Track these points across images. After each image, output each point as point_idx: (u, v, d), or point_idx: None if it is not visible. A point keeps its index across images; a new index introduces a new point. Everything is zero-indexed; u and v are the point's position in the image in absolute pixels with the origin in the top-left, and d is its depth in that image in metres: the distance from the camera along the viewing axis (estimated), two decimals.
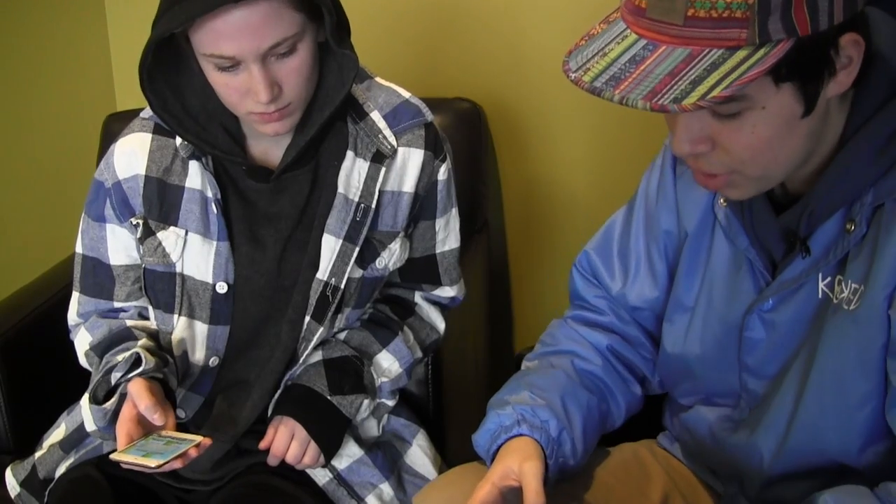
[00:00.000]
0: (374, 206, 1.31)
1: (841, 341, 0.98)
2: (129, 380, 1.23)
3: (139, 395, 1.20)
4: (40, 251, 1.98)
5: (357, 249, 1.31)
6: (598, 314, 1.25)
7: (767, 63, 0.85)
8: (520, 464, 1.04)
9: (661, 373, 1.23)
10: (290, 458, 1.29)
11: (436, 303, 1.49)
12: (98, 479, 1.31)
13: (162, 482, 1.35)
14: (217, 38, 1.14)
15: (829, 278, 1.00)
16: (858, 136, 0.95)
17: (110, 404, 1.25)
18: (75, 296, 1.42)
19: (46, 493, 1.37)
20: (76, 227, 1.34)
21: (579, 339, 1.23)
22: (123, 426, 1.20)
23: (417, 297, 1.48)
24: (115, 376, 1.26)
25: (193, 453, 1.18)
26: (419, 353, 1.44)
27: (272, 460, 1.30)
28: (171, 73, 1.25)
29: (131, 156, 1.33)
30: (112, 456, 1.17)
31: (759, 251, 1.06)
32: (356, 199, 1.30)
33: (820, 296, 1.01)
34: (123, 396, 1.24)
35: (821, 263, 1.00)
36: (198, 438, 1.19)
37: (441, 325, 1.49)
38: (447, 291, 1.48)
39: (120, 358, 1.28)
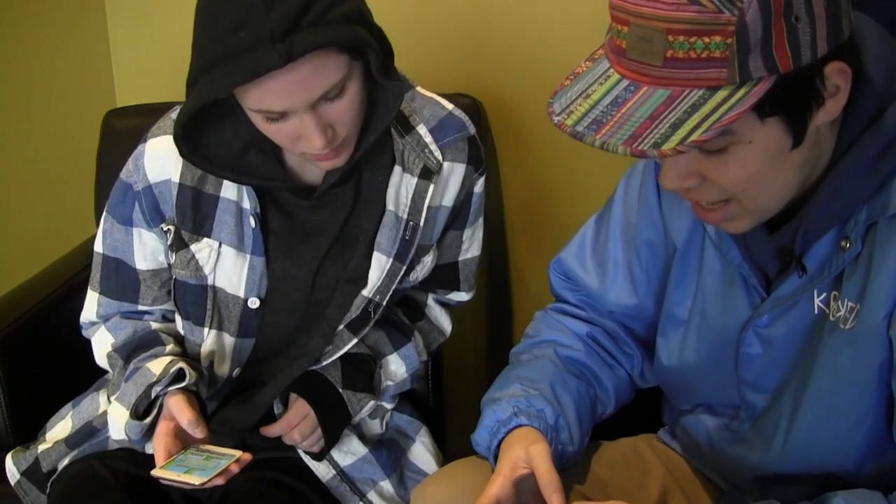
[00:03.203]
0: (422, 223, 1.29)
1: (837, 361, 0.98)
2: (167, 393, 1.21)
3: (181, 410, 1.18)
4: (41, 247, 1.98)
5: (404, 269, 1.30)
6: (578, 310, 1.25)
7: (748, 102, 0.83)
8: (526, 449, 1.04)
9: (658, 382, 1.23)
10: (298, 433, 1.27)
11: (445, 304, 1.49)
12: (103, 473, 1.30)
13: None
14: (264, 95, 1.09)
15: (824, 294, 0.99)
16: (849, 154, 0.93)
17: (150, 419, 1.23)
18: (94, 296, 1.37)
19: (49, 484, 1.36)
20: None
21: (560, 327, 1.24)
22: (161, 441, 1.18)
23: (430, 299, 1.47)
24: (156, 390, 1.22)
25: (235, 469, 1.17)
26: (424, 357, 1.44)
27: (280, 430, 1.28)
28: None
29: (164, 159, 1.27)
30: (153, 472, 1.16)
31: (753, 267, 1.04)
32: (405, 217, 1.28)
33: (816, 311, 1.00)
34: (160, 410, 1.22)
35: (816, 280, 0.99)
36: (237, 453, 1.18)
37: (448, 327, 1.48)
38: (461, 296, 1.47)
39: (154, 367, 1.25)
